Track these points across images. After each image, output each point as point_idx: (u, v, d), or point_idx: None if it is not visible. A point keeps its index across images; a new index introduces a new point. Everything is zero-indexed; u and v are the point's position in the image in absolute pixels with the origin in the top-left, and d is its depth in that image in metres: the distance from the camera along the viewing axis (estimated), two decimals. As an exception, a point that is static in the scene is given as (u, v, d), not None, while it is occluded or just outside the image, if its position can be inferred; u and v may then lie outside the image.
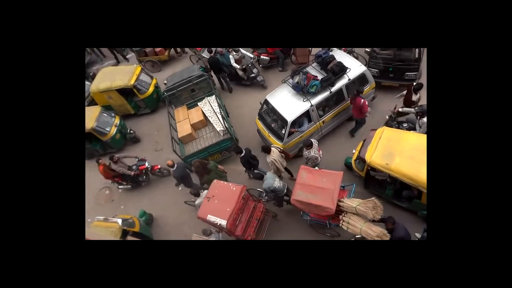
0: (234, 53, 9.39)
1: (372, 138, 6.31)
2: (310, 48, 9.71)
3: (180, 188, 8.30)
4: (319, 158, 6.60)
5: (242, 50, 9.46)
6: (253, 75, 9.62)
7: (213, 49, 10.05)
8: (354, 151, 7.01)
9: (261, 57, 10.03)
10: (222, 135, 8.22)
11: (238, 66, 9.43)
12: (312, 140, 6.68)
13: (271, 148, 6.78)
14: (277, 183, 6.33)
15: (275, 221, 7.15)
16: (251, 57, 9.51)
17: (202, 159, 7.79)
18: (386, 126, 7.12)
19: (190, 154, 7.98)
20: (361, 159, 6.42)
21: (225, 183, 6.16)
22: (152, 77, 10.71)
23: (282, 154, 6.95)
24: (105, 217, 7.19)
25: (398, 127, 7.03)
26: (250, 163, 7.13)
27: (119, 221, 6.99)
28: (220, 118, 8.25)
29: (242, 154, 6.94)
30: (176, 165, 7.44)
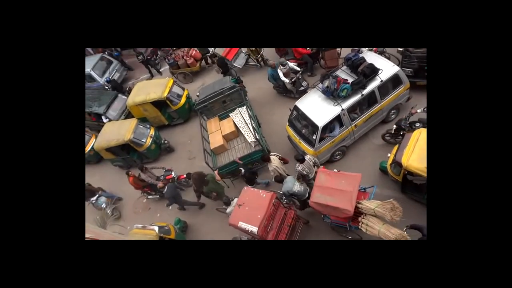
0: (282, 66, 9.37)
1: (409, 140, 6.11)
2: (339, 52, 9.65)
3: (170, 208, 8.86)
4: (310, 175, 6.74)
5: (289, 63, 9.45)
6: (302, 88, 9.49)
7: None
8: (389, 154, 6.83)
9: (283, 60, 10.08)
10: (253, 146, 8.34)
11: (288, 80, 9.37)
12: (307, 157, 6.81)
13: (270, 156, 7.12)
14: (296, 187, 6.43)
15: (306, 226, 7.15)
16: (298, 70, 9.42)
17: (232, 171, 8.09)
18: (396, 125, 7.18)
19: (222, 166, 8.15)
20: (397, 163, 6.24)
21: (255, 190, 6.28)
22: (183, 89, 11.20)
23: (282, 161, 7.23)
24: (143, 225, 7.58)
25: (410, 127, 6.94)
26: (251, 178, 7.80)
27: (156, 228, 7.35)
28: (251, 129, 8.37)
29: (242, 173, 7.61)
30: (166, 186, 8.23)
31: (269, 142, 9.03)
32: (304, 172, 6.68)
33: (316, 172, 6.75)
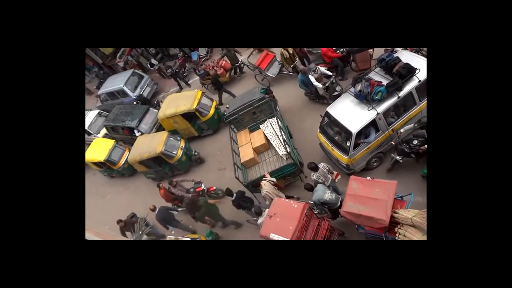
0: (313, 72, 9.25)
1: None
2: (371, 53, 9.35)
3: (173, 232, 8.75)
4: (326, 183, 6.60)
5: (321, 68, 9.29)
6: (336, 93, 9.14)
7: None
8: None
9: (313, 65, 9.89)
10: (285, 159, 8.20)
11: (320, 85, 9.17)
12: (321, 164, 6.71)
13: (261, 182, 7.23)
14: (328, 195, 6.26)
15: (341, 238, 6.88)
16: (330, 75, 9.21)
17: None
18: (398, 153, 6.81)
19: (253, 180, 8.03)
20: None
21: (286, 200, 6.16)
22: (212, 100, 11.38)
23: (275, 187, 7.28)
24: (176, 236, 7.68)
25: (410, 147, 6.60)
26: (241, 205, 7.51)
27: (188, 240, 7.41)
28: (282, 142, 8.22)
29: (233, 198, 7.43)
30: (157, 209, 8.34)
31: (301, 150, 8.88)
32: (320, 181, 6.56)
33: (331, 180, 6.74)
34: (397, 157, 6.86)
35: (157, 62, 14.38)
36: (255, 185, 7.28)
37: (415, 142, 6.56)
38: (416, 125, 6.65)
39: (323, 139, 7.95)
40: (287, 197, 7.38)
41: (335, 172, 7.08)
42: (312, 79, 9.13)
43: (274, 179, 7.46)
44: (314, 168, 6.57)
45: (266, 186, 7.11)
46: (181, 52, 15.23)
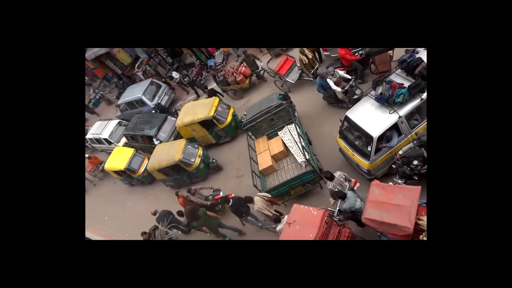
0: (331, 75, 9.14)
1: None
2: (391, 54, 9.17)
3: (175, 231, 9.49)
4: (343, 191, 6.48)
5: (339, 72, 9.19)
6: (356, 96, 8.97)
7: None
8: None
9: (331, 69, 9.78)
10: (304, 166, 8.12)
11: (339, 89, 9.01)
12: (336, 173, 6.73)
13: (254, 198, 7.38)
14: (358, 203, 6.14)
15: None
16: (349, 78, 9.06)
17: (282, 193, 8.03)
18: (399, 176, 6.61)
19: (271, 188, 8.02)
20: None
21: (306, 207, 6.10)
22: (229, 107, 11.44)
23: (269, 202, 7.39)
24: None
25: (411, 169, 6.40)
26: (240, 210, 7.84)
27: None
28: (301, 148, 8.14)
29: (230, 204, 7.72)
30: (158, 213, 9.17)
31: (320, 156, 8.78)
32: (336, 189, 6.52)
33: (349, 187, 6.69)
34: (399, 181, 6.66)
35: (177, 75, 14.53)
36: (246, 201, 7.58)
37: (415, 162, 6.40)
38: (415, 142, 6.57)
39: (343, 144, 7.82)
40: (276, 211, 7.49)
41: (353, 180, 6.99)
42: (331, 82, 9.02)
43: (268, 195, 7.60)
44: (330, 177, 6.61)
45: (259, 202, 7.30)
46: (198, 61, 15.49)
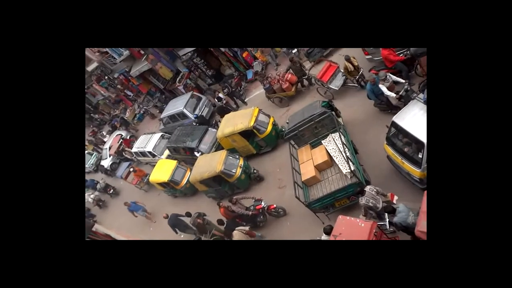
0: (382, 80, 8.80)
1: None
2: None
3: (180, 235, 10.72)
4: (378, 205, 6.57)
5: (392, 76, 8.88)
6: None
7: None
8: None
9: (383, 73, 9.48)
10: (349, 177, 7.90)
11: (393, 94, 8.62)
12: (367, 187, 6.77)
13: (233, 232, 8.18)
14: (412, 218, 5.82)
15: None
16: (402, 82, 8.67)
17: (326, 205, 8.05)
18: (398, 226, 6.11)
19: (315, 200, 7.93)
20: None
21: (352, 219, 5.97)
22: (269, 116, 11.57)
23: (247, 236, 8.11)
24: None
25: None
26: (236, 224, 8.85)
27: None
28: (345, 158, 7.88)
29: (225, 226, 9.15)
30: (169, 216, 10.55)
31: (367, 164, 8.57)
32: (370, 204, 6.49)
33: (383, 202, 6.66)
34: (390, 229, 6.48)
35: (224, 96, 14.82)
36: (226, 234, 8.85)
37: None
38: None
39: (390, 151, 7.56)
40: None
41: (388, 194, 6.98)
42: (383, 88, 8.67)
43: (246, 228, 8.39)
44: (362, 192, 6.70)
45: (237, 236, 8.02)
46: (237, 72, 15.91)
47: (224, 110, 12.76)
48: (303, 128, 9.07)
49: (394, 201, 6.83)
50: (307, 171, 8.53)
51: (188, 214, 9.82)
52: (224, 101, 14.51)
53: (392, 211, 6.08)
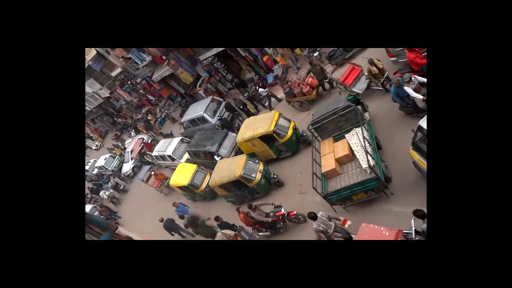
0: (406, 83, 8.60)
1: None
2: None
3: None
4: (329, 230, 7.03)
5: (418, 78, 8.62)
6: None
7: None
8: None
9: (408, 75, 9.23)
10: (368, 172, 7.84)
11: (420, 96, 8.36)
12: (319, 213, 7.17)
13: (216, 234, 8.98)
14: None
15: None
16: (426, 82, 8.46)
17: (343, 198, 8.04)
18: None
19: (332, 192, 7.99)
20: None
21: (376, 226, 5.81)
22: (289, 121, 11.52)
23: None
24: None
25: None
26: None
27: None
28: (365, 153, 7.91)
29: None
30: (164, 220, 11.83)
31: (391, 169, 8.37)
32: (321, 228, 7.00)
33: (334, 226, 7.10)
34: (416, 238, 6.25)
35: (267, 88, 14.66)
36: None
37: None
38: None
39: (417, 156, 7.33)
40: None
41: (341, 218, 7.41)
42: (409, 90, 8.43)
43: (231, 234, 8.86)
44: (314, 217, 7.09)
45: (219, 238, 8.74)
46: (257, 76, 15.98)
47: (232, 107, 13.45)
48: (327, 121, 9.10)
49: (346, 226, 7.19)
50: (328, 164, 8.59)
51: (217, 219, 10.17)
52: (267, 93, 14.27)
53: (423, 216, 5.85)
